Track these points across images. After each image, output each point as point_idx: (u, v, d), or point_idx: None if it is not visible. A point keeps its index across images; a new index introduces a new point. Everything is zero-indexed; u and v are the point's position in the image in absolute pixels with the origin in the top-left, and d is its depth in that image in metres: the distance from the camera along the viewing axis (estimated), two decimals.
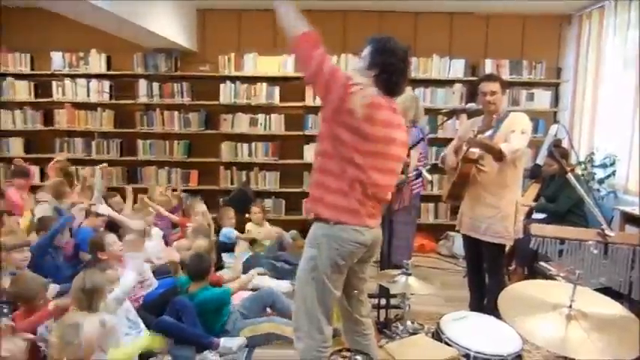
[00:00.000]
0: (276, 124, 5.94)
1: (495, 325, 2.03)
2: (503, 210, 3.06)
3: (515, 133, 2.98)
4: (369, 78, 2.09)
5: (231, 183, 6.05)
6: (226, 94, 5.92)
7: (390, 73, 2.08)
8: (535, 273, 3.87)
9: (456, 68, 5.71)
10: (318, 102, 5.78)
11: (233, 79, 5.92)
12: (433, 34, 5.86)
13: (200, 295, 3.19)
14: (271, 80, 5.92)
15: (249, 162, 6.04)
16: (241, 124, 5.97)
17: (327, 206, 2.06)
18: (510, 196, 3.07)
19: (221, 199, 5.77)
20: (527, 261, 4.12)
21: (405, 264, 2.22)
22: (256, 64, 5.87)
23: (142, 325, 2.90)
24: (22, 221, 4.15)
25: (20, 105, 6.24)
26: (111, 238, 3.36)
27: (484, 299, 3.37)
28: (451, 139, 5.52)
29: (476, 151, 2.99)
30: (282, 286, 4.04)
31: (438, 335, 1.79)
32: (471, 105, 3.52)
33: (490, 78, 3.17)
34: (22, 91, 6.18)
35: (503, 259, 3.21)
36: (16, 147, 6.30)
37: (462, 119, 5.66)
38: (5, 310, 2.65)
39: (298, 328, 2.18)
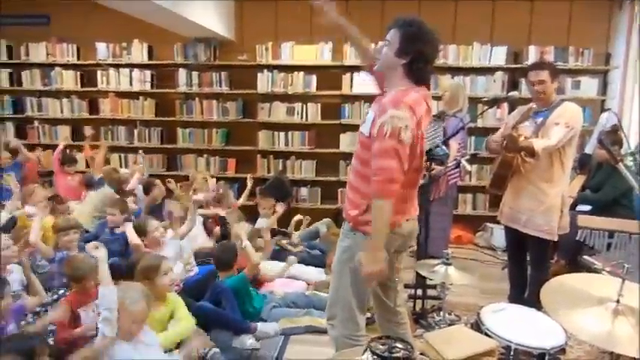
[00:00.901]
0: (312, 113, 5.95)
1: (537, 318, 1.98)
2: (547, 203, 2.96)
3: (558, 127, 2.86)
4: (397, 66, 1.99)
5: (268, 171, 6.11)
6: (264, 83, 5.96)
7: (425, 62, 1.98)
8: (578, 266, 3.75)
9: (498, 55, 5.53)
10: (354, 91, 5.75)
11: (270, 68, 5.95)
12: (474, 21, 5.69)
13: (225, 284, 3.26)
14: (308, 69, 5.91)
15: (285, 150, 6.09)
16: (278, 112, 6.01)
17: (363, 196, 2.03)
18: (556, 189, 2.96)
19: (258, 188, 5.84)
20: (571, 254, 3.99)
21: (445, 254, 2.19)
22: (293, 52, 5.87)
23: None
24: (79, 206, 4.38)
25: (67, 94, 6.49)
26: (153, 224, 3.47)
27: (524, 292, 3.30)
28: (491, 129, 5.47)
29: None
30: (315, 274, 4.07)
31: (477, 326, 1.77)
32: (514, 93, 3.43)
33: (539, 66, 3.04)
34: (69, 80, 6.41)
35: (548, 253, 3.10)
36: (63, 134, 6.56)
37: (502, 108, 5.52)
38: (61, 292, 2.79)
39: (332, 316, 2.19)
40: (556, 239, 2.99)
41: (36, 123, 6.60)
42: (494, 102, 4.20)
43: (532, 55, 5.43)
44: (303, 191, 6.07)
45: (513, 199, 3.12)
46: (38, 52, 6.41)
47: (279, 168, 6.09)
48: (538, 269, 3.07)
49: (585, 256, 3.76)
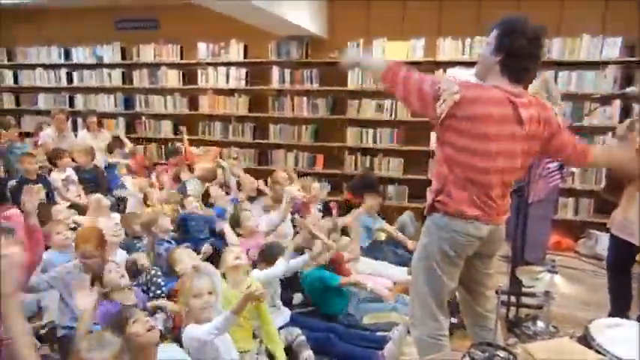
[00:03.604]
0: (402, 110, 5.85)
1: None
2: None
3: None
4: (493, 64, 1.93)
5: (355, 168, 6.12)
6: (354, 80, 5.98)
7: (518, 57, 1.89)
8: None
9: (610, 48, 5.05)
10: None
11: None
12: (583, 11, 5.24)
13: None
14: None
15: (373, 147, 6.06)
16: (367, 109, 6.00)
17: (441, 197, 2.01)
18: None
19: (344, 184, 5.88)
20: None
21: (550, 261, 2.06)
22: (385, 49, 5.82)
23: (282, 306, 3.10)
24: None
25: (171, 91, 6.98)
26: (247, 215, 3.62)
27: (628, 308, 3.05)
28: (599, 128, 5.02)
29: None
30: (398, 274, 4.00)
31: (585, 341, 1.62)
32: (632, 89, 3.10)
33: None
34: (173, 78, 6.90)
35: None
36: (165, 129, 7.08)
37: (614, 106, 5.03)
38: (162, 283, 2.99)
39: (413, 315, 2.17)
40: None
41: (143, 118, 7.18)
42: (607, 99, 3.84)
43: None
44: (390, 189, 6.00)
45: (629, 207, 2.84)
46: (147, 53, 6.97)
47: (366, 165, 6.08)
48: None
49: None
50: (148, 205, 4.42)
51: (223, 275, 2.73)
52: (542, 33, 1.91)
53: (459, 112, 1.86)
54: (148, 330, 2.02)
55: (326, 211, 5.05)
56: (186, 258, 2.97)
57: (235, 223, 3.60)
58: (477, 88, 1.93)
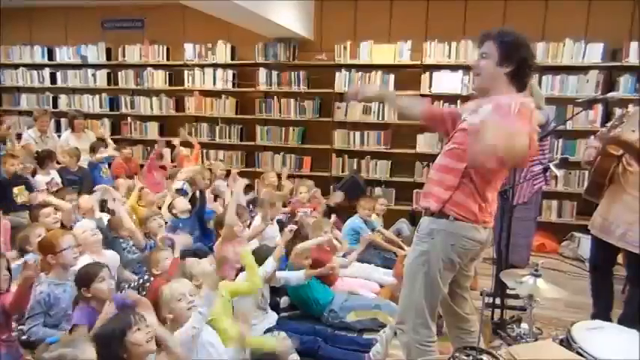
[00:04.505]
0: (389, 113, 5.88)
1: (638, 340, 1.81)
2: None
3: None
4: (500, 76, 1.97)
5: (342, 170, 6.14)
6: (341, 82, 5.99)
7: (527, 68, 1.97)
8: None
9: (593, 53, 5.14)
10: (433, 90, 5.61)
11: (348, 67, 5.97)
12: (566, 16, 5.32)
13: None
14: (386, 68, 5.86)
15: (360, 150, 6.08)
16: (354, 112, 6.01)
17: (447, 202, 2.01)
18: None
19: (331, 186, 5.89)
20: None
21: (534, 264, 2.08)
22: (372, 52, 5.84)
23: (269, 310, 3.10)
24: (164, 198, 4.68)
25: (157, 92, 6.92)
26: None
27: (610, 309, 3.10)
28: (582, 132, 5.10)
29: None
30: (387, 277, 4.01)
31: (567, 343, 1.65)
32: (613, 94, 3.16)
33: None
34: (159, 79, 6.84)
35: None
36: (151, 130, 7.01)
37: (596, 110, 5.12)
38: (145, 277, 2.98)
39: (403, 321, 2.15)
40: None
41: (129, 119, 7.11)
42: (591, 103, 3.88)
43: (633, 52, 4.99)
44: (377, 191, 6.03)
45: (608, 209, 2.89)
46: (133, 54, 6.90)
47: (353, 167, 6.09)
48: (637, 286, 2.82)
49: None
50: (142, 206, 4.40)
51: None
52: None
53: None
54: (147, 341, 1.98)
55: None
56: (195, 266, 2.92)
57: (219, 224, 3.58)
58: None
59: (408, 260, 2.16)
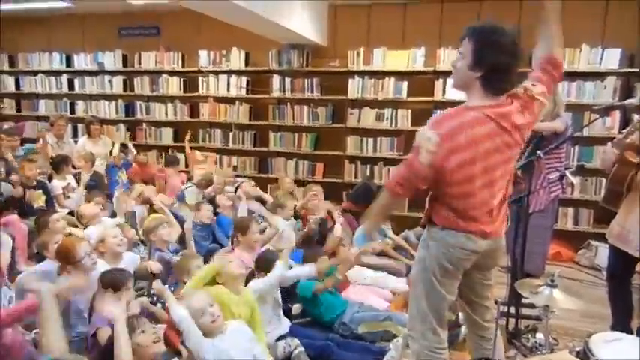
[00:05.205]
0: (402, 119, 5.87)
1: None
2: None
3: None
4: (472, 79, 1.88)
5: (355, 177, 6.12)
6: (354, 88, 5.99)
7: (500, 73, 1.85)
8: None
9: (610, 59, 5.07)
10: (447, 97, 5.58)
11: (361, 73, 5.97)
12: (583, 21, 5.25)
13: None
14: (399, 75, 5.85)
15: (373, 156, 6.06)
16: (367, 118, 6.01)
17: (436, 211, 2.03)
18: None
19: (344, 193, 5.88)
20: None
21: (550, 274, 2.05)
22: (385, 58, 5.84)
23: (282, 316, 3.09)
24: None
25: (172, 99, 6.99)
26: (255, 225, 3.62)
27: (629, 318, 3.04)
28: (599, 139, 5.02)
29: None
30: (399, 284, 3.98)
31: (585, 355, 1.61)
32: (631, 101, 3.10)
33: None
34: (174, 86, 6.92)
35: None
36: (166, 136, 7.09)
37: (613, 116, 5.04)
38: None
39: (412, 328, 2.17)
40: None
41: (144, 125, 7.19)
42: (606, 110, 3.84)
43: None
44: None
45: (626, 218, 2.84)
46: (148, 61, 6.99)
47: (366, 174, 6.07)
48: None
49: None
50: (155, 212, 4.42)
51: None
52: (516, 38, 1.86)
53: (441, 151, 1.85)
54: (155, 341, 2.00)
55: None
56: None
57: (241, 230, 3.59)
58: (453, 119, 1.89)
59: (413, 268, 2.19)
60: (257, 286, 2.90)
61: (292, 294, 3.37)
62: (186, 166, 6.23)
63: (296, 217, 4.94)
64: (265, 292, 2.92)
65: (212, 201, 4.65)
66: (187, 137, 6.26)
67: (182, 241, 3.86)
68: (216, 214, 4.47)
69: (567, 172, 3.28)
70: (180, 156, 6.22)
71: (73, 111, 7.51)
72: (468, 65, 1.88)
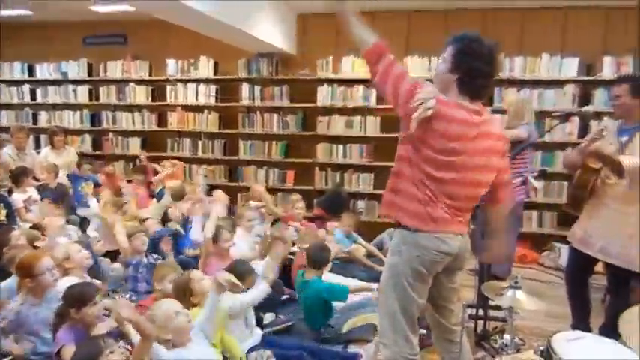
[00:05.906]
0: (371, 127, 5.94)
1: (617, 350, 1.83)
2: (628, 231, 2.72)
3: None
4: (451, 82, 2.00)
5: (326, 184, 6.15)
6: (323, 96, 6.04)
7: (475, 77, 1.98)
8: None
9: (569, 67, 5.28)
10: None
11: (330, 81, 6.02)
12: (543, 31, 5.47)
13: (313, 285, 3.23)
14: (368, 82, 5.91)
15: (344, 163, 6.10)
16: (337, 126, 6.05)
17: (406, 213, 2.03)
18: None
19: (315, 200, 5.89)
20: None
21: (514, 277, 2.10)
22: (353, 66, 5.91)
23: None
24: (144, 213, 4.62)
25: (139, 108, 6.88)
26: (227, 236, 3.60)
27: (588, 318, 3.15)
28: (560, 144, 5.20)
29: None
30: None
31: (548, 354, 1.66)
32: (587, 108, 3.23)
33: (618, 80, 2.88)
34: (141, 95, 6.81)
35: (628, 279, 2.85)
36: (133, 146, 6.96)
37: (573, 123, 5.24)
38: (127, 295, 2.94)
39: (383, 335, 2.16)
40: (638, 270, 2.72)
41: (110, 135, 7.04)
42: (566, 117, 3.99)
43: (607, 67, 5.14)
44: (361, 204, 6.05)
45: (588, 222, 2.93)
46: (115, 69, 6.86)
47: (336, 181, 6.11)
48: (617, 296, 2.87)
49: None
50: (127, 221, 4.33)
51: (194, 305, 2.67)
52: (495, 51, 2.01)
53: (434, 125, 1.91)
54: None
55: None
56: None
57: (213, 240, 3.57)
58: (452, 108, 1.95)
59: (382, 275, 2.17)
60: (233, 304, 2.80)
61: (264, 303, 3.34)
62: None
63: (275, 221, 4.95)
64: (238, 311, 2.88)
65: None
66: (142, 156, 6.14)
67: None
68: None
69: (530, 177, 3.39)
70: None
71: (35, 121, 7.29)
72: (447, 68, 2.02)
